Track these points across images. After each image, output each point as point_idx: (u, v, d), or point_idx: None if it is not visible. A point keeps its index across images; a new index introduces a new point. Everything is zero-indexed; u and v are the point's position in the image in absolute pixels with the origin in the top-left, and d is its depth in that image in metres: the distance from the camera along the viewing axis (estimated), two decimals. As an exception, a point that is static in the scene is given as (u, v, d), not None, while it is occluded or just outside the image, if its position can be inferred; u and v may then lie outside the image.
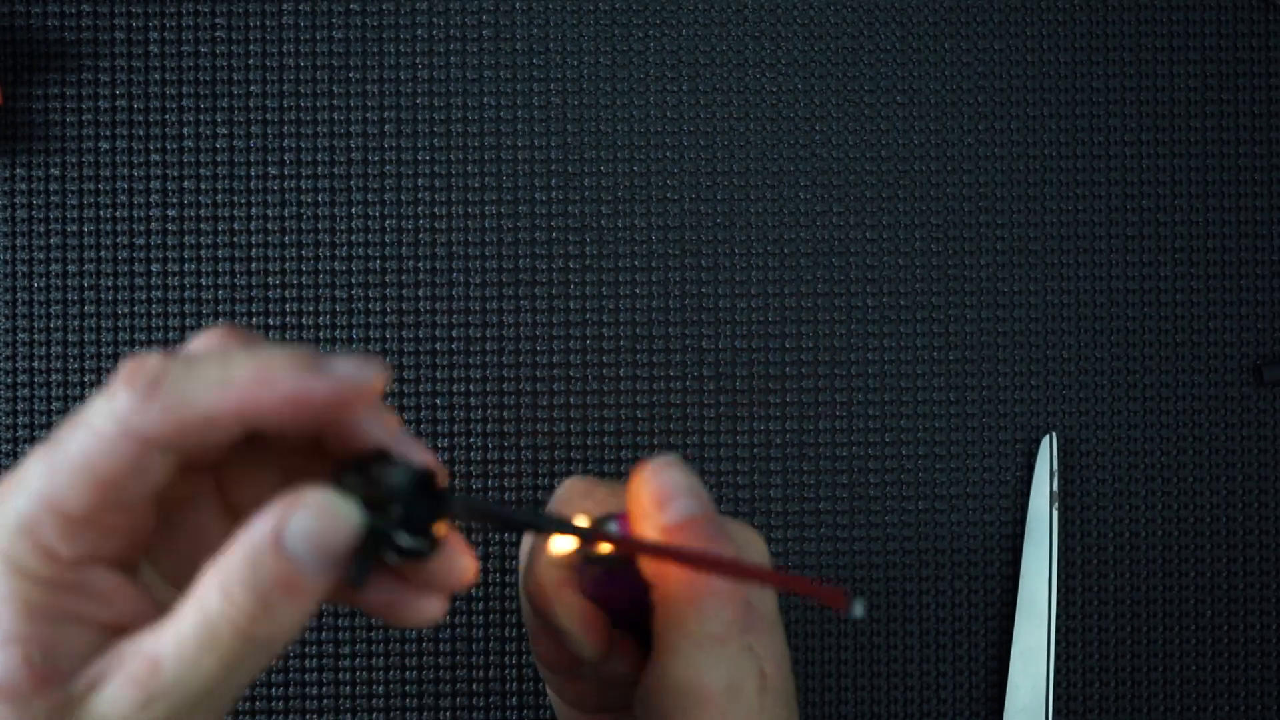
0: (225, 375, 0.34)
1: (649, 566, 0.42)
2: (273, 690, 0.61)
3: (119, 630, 0.35)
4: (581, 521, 0.44)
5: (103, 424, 0.34)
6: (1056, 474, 0.62)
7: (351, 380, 0.35)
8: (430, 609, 0.38)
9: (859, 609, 0.36)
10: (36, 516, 0.34)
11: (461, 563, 0.37)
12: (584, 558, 0.44)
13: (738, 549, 0.43)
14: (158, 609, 0.36)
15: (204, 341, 0.36)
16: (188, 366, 0.34)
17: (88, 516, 0.34)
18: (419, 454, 0.36)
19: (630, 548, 0.41)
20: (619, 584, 0.44)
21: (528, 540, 0.48)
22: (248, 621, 0.33)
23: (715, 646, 0.41)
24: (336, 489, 0.35)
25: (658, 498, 0.42)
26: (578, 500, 0.46)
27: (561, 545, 0.43)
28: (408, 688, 0.61)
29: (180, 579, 0.37)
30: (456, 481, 0.62)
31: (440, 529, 0.36)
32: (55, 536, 0.34)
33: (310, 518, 0.34)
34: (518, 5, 0.63)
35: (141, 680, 0.34)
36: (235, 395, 0.34)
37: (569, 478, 0.48)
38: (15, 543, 0.34)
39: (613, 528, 0.43)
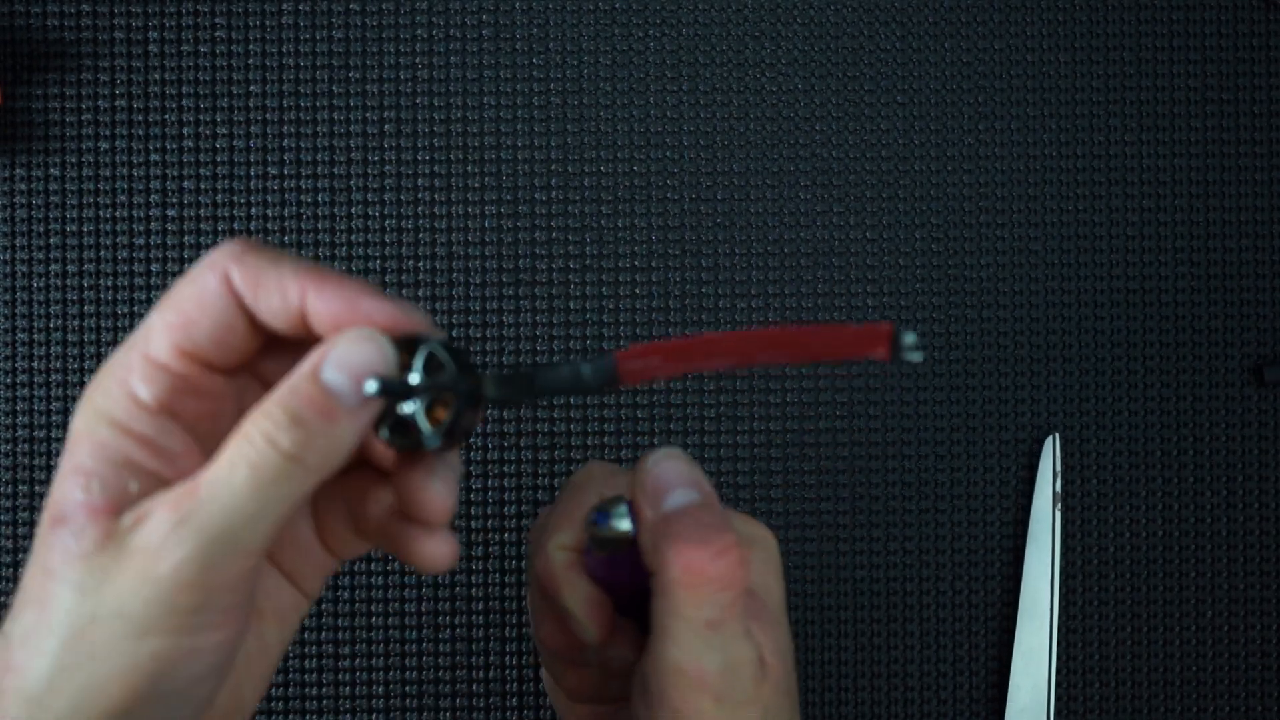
0: (302, 268, 0.38)
1: (650, 554, 0.42)
2: (273, 690, 0.61)
3: (177, 481, 0.37)
4: (587, 499, 0.45)
5: (197, 272, 0.38)
6: (1059, 475, 0.62)
7: (404, 314, 0.38)
8: (439, 549, 0.40)
9: (911, 342, 0.36)
10: (131, 362, 0.37)
11: (444, 488, 0.40)
12: (593, 544, 0.44)
13: (742, 540, 0.43)
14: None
15: (217, 258, 0.39)
16: (277, 254, 0.38)
17: (172, 362, 0.37)
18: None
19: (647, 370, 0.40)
20: (624, 568, 0.44)
21: (537, 522, 0.49)
22: (286, 443, 0.36)
23: (710, 633, 0.41)
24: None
25: (656, 488, 0.42)
26: (596, 483, 0.47)
27: None
28: (408, 688, 0.61)
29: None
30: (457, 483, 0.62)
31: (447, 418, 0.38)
32: (139, 377, 0.37)
33: (346, 346, 0.37)
34: (518, 5, 0.63)
35: (179, 504, 0.36)
36: (305, 280, 0.37)
37: (589, 463, 0.49)
38: (103, 383, 0.37)
39: (624, 511, 0.43)
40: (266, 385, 0.39)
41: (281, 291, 0.37)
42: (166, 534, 0.35)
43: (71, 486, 0.36)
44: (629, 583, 0.45)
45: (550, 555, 0.46)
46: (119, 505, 0.36)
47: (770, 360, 0.38)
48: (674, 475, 0.43)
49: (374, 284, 0.39)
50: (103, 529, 0.36)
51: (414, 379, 0.37)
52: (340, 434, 0.37)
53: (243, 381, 0.40)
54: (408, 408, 0.37)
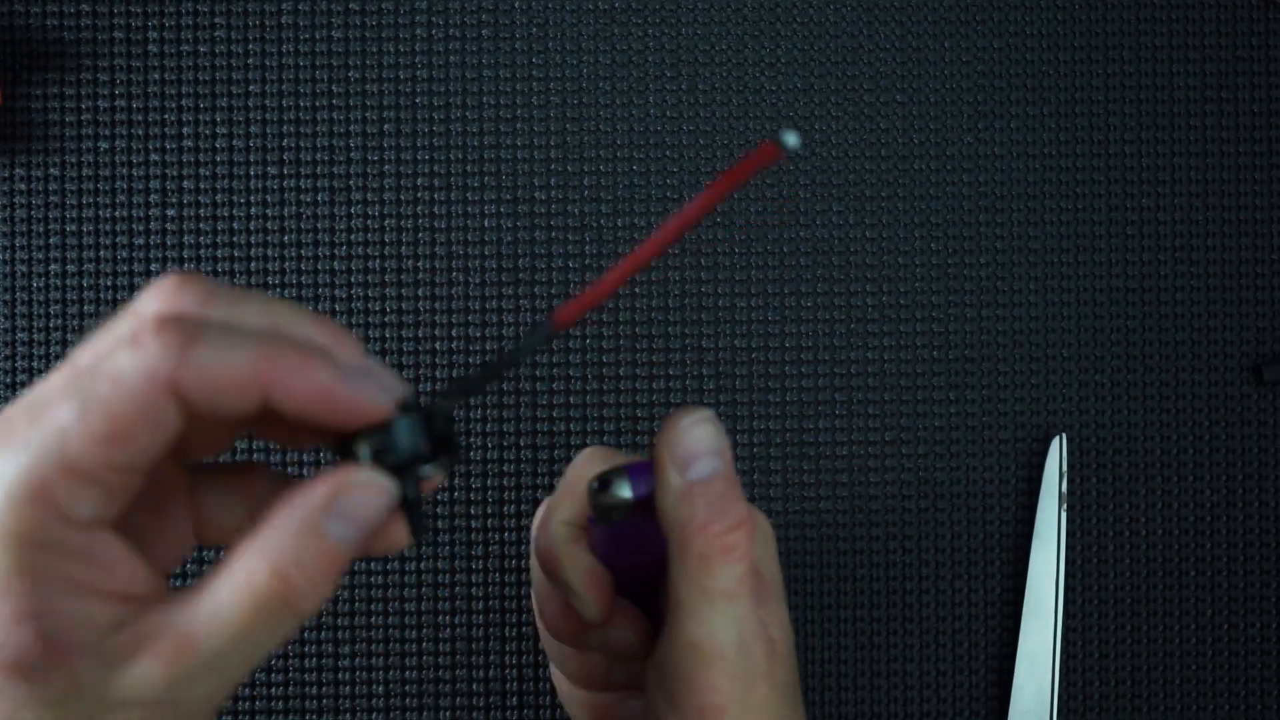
0: (264, 349, 0.34)
1: (669, 521, 0.42)
2: (273, 690, 0.61)
3: (129, 600, 0.35)
4: (593, 473, 0.45)
5: (131, 376, 0.33)
6: (1065, 475, 0.62)
7: (378, 401, 0.36)
8: (399, 534, 0.39)
9: (792, 139, 0.36)
10: (50, 476, 0.33)
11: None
12: (595, 512, 0.44)
13: (752, 518, 0.43)
14: (162, 578, 0.36)
15: (160, 295, 0.35)
16: (225, 329, 0.34)
17: (101, 474, 0.34)
18: (395, 385, 0.37)
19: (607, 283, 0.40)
20: (628, 543, 0.44)
21: (542, 507, 0.49)
22: (296, 597, 0.35)
23: (726, 603, 0.42)
24: (367, 463, 0.36)
25: (686, 453, 0.42)
26: (597, 465, 0.47)
27: None
28: (408, 688, 0.61)
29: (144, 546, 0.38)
30: (456, 482, 0.62)
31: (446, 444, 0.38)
32: (68, 497, 0.33)
33: (353, 499, 0.35)
34: (518, 5, 0.63)
35: (176, 656, 0.34)
36: (269, 372, 0.34)
37: (587, 448, 0.49)
38: (25, 508, 0.33)
39: (624, 480, 0.44)
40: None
41: (239, 390, 0.34)
42: (162, 688, 0.34)
43: (23, 633, 0.33)
44: (630, 558, 0.45)
45: (553, 531, 0.46)
46: (82, 643, 0.33)
47: (686, 228, 0.38)
48: (704, 443, 0.43)
49: (338, 326, 0.37)
50: (71, 677, 0.33)
51: (421, 470, 0.37)
52: (344, 570, 0.36)
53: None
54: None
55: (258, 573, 0.34)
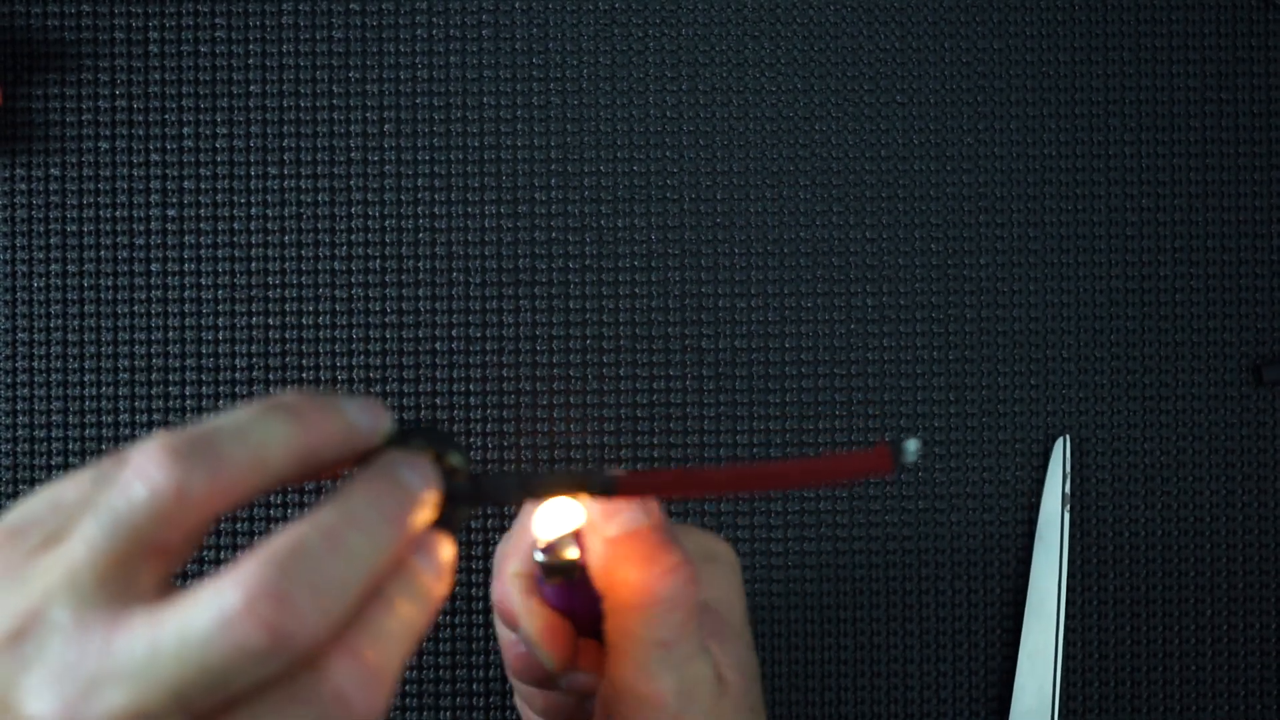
0: (287, 437, 0.34)
1: (600, 578, 0.42)
2: (272, 690, 0.61)
3: None
4: (542, 539, 0.45)
5: (167, 507, 0.33)
6: (1069, 476, 0.62)
7: (387, 421, 0.36)
8: None
9: (912, 449, 0.36)
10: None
11: None
12: (544, 574, 0.44)
13: (692, 557, 0.42)
14: None
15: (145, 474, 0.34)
16: (237, 441, 0.34)
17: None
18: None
19: (637, 489, 0.40)
20: (579, 595, 0.44)
21: (500, 551, 0.49)
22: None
23: (664, 651, 0.41)
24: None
25: (603, 512, 0.42)
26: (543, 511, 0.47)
27: (548, 525, 0.44)
28: (408, 687, 0.61)
29: None
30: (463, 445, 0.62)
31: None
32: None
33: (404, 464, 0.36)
34: (518, 5, 0.63)
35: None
36: (298, 455, 0.35)
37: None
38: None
39: (569, 539, 0.43)
40: None
41: (273, 483, 0.34)
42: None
43: None
44: (586, 608, 0.44)
45: (507, 585, 0.46)
46: None
47: (769, 489, 0.39)
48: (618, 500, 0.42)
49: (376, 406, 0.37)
50: None
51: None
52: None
53: None
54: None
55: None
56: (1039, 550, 0.62)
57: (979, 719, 0.62)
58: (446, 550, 0.36)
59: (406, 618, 0.34)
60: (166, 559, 0.33)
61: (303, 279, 0.62)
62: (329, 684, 0.33)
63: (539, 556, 0.44)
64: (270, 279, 0.62)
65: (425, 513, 0.36)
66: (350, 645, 0.33)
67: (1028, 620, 0.62)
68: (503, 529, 0.62)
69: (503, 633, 0.48)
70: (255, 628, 0.31)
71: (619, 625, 0.42)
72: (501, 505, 0.39)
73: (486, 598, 0.62)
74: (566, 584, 0.44)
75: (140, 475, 0.33)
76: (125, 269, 0.62)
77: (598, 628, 0.45)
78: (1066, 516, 0.62)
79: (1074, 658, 0.63)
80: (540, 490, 0.39)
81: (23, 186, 0.61)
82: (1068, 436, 0.62)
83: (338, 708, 0.33)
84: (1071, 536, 0.63)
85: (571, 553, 0.43)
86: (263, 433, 0.34)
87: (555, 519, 0.46)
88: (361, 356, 0.62)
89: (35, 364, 0.61)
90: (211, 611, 0.31)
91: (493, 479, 0.38)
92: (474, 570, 0.62)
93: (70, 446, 0.61)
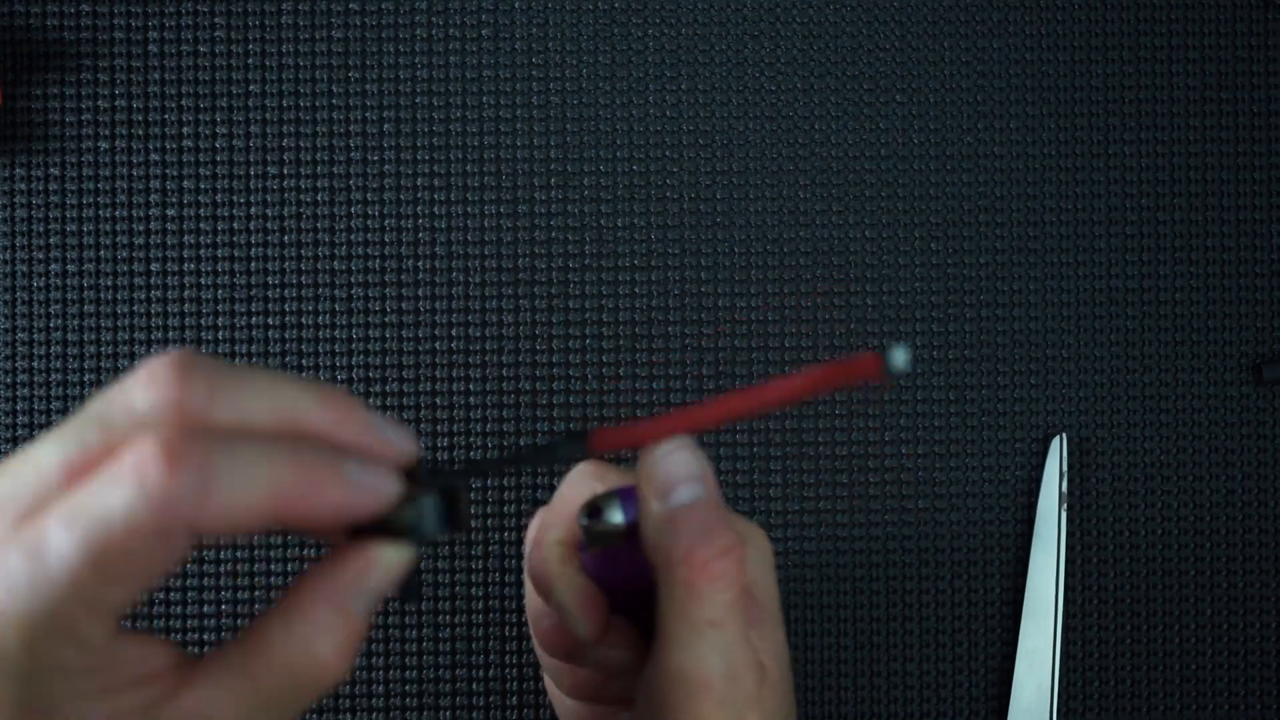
0: (276, 475, 0.34)
1: (653, 549, 0.42)
2: (272, 690, 0.61)
3: (151, 679, 0.35)
4: (582, 495, 0.45)
5: (144, 522, 0.32)
6: (1066, 475, 0.62)
7: (381, 494, 0.36)
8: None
9: (900, 358, 0.35)
10: (66, 615, 0.33)
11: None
12: (586, 539, 0.44)
13: (742, 539, 0.43)
14: (176, 649, 0.36)
15: (156, 380, 0.34)
16: (235, 462, 0.33)
17: (114, 603, 0.33)
18: (405, 443, 0.37)
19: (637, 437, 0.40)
20: (620, 565, 0.44)
21: (535, 521, 0.49)
22: (331, 677, 0.36)
23: (714, 632, 0.41)
24: (388, 541, 0.36)
25: (665, 481, 0.42)
26: (590, 481, 0.47)
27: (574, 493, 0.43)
28: (408, 687, 0.61)
29: None
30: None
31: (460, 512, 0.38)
32: (84, 629, 0.33)
33: (381, 574, 0.36)
34: (518, 5, 0.63)
35: None
36: (284, 499, 0.34)
37: (581, 463, 0.48)
38: (43, 643, 0.33)
39: (616, 506, 0.43)
40: None
41: (253, 521, 0.34)
42: None
43: None
44: (623, 579, 0.44)
45: (546, 552, 0.46)
46: None
47: (756, 412, 0.38)
48: (682, 468, 0.42)
49: (342, 399, 0.36)
50: None
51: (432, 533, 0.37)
52: (361, 639, 0.37)
53: None
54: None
55: (301, 661, 0.35)
56: (1037, 549, 0.62)
57: (978, 717, 0.62)
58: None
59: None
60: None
61: (303, 279, 0.62)
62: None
63: (583, 522, 0.44)
64: (270, 279, 0.62)
65: (376, 487, 0.36)
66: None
67: (1026, 618, 0.62)
68: (503, 528, 0.62)
69: (534, 604, 0.48)
70: (133, 479, 0.32)
71: (671, 602, 0.42)
72: (482, 476, 0.38)
73: (487, 598, 0.62)
74: (608, 553, 0.44)
75: (148, 378, 0.34)
76: (125, 269, 0.62)
77: (633, 604, 0.45)
78: (1064, 515, 0.62)
79: (1074, 656, 0.63)
80: (506, 466, 0.39)
81: (23, 186, 0.61)
82: (1064, 435, 0.62)
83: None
84: (1071, 535, 0.63)
85: (617, 519, 0.43)
86: (290, 397, 0.35)
87: (598, 489, 0.46)
88: (361, 356, 0.62)
89: (35, 364, 0.61)
90: (103, 471, 0.33)
91: (465, 466, 0.38)
92: (473, 571, 0.62)
93: (70, 446, 0.61)
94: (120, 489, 0.32)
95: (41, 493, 0.34)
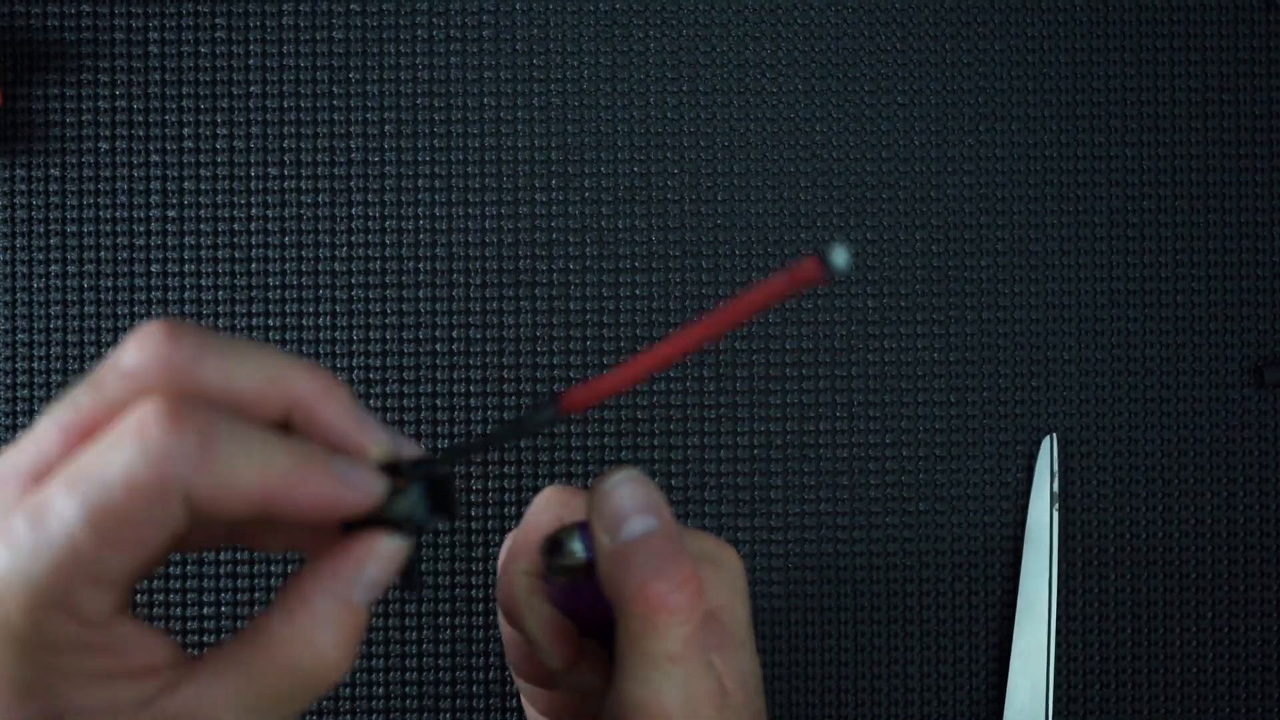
0: (270, 459, 0.34)
1: (608, 584, 0.42)
2: (273, 691, 0.61)
3: (149, 672, 0.35)
4: (548, 523, 0.45)
5: (144, 482, 0.32)
6: (1057, 475, 0.62)
7: (368, 489, 0.36)
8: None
9: (841, 257, 0.34)
10: (65, 583, 0.33)
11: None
12: (549, 572, 0.44)
13: (700, 563, 0.42)
14: (175, 645, 0.36)
15: (146, 342, 0.35)
16: (234, 436, 0.33)
17: (114, 576, 0.33)
18: (403, 447, 0.38)
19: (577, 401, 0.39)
20: (586, 596, 0.43)
21: (505, 545, 0.48)
22: (336, 673, 0.36)
23: (670, 666, 0.41)
24: (385, 530, 0.37)
25: (614, 515, 0.41)
26: (555, 507, 0.46)
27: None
28: (408, 688, 0.61)
29: None
30: (456, 482, 0.62)
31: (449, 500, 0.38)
32: (84, 600, 0.33)
33: (378, 567, 0.36)
34: (518, 5, 0.63)
35: None
36: (276, 484, 0.34)
37: (547, 488, 0.48)
38: (40, 613, 0.33)
39: (577, 538, 0.43)
40: None
41: (246, 503, 0.34)
42: None
43: None
44: (590, 609, 0.44)
45: (513, 582, 0.45)
46: None
47: (709, 338, 0.37)
48: (631, 501, 0.41)
49: (329, 378, 0.37)
50: None
51: (412, 523, 0.37)
52: (363, 631, 0.37)
53: None
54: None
55: (304, 655, 0.35)
56: (1029, 550, 0.62)
57: (977, 718, 0.62)
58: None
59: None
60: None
61: (303, 279, 0.62)
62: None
63: (544, 557, 0.43)
64: (270, 279, 0.62)
65: (362, 482, 0.36)
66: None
67: (1019, 619, 0.62)
68: (503, 530, 0.62)
69: (506, 630, 0.48)
70: (134, 438, 0.32)
71: (627, 636, 0.41)
72: (464, 460, 0.38)
73: (487, 598, 0.62)
74: (573, 584, 0.44)
75: (135, 342, 0.34)
76: (125, 269, 0.61)
77: (603, 629, 0.45)
78: (1055, 516, 0.62)
79: (1068, 657, 0.63)
80: (487, 445, 0.38)
81: (23, 186, 0.61)
82: (1054, 436, 0.62)
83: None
84: (1072, 537, 0.63)
85: (579, 552, 0.43)
86: (278, 368, 0.35)
87: (564, 516, 0.45)
88: (361, 357, 0.62)
89: (35, 364, 0.61)
90: (106, 435, 0.33)
91: (448, 453, 0.38)
92: (473, 572, 0.62)
93: (70, 447, 0.61)
94: (120, 450, 0.32)
95: (42, 461, 0.34)
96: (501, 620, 0.48)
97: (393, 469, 0.37)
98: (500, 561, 0.48)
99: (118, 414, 0.34)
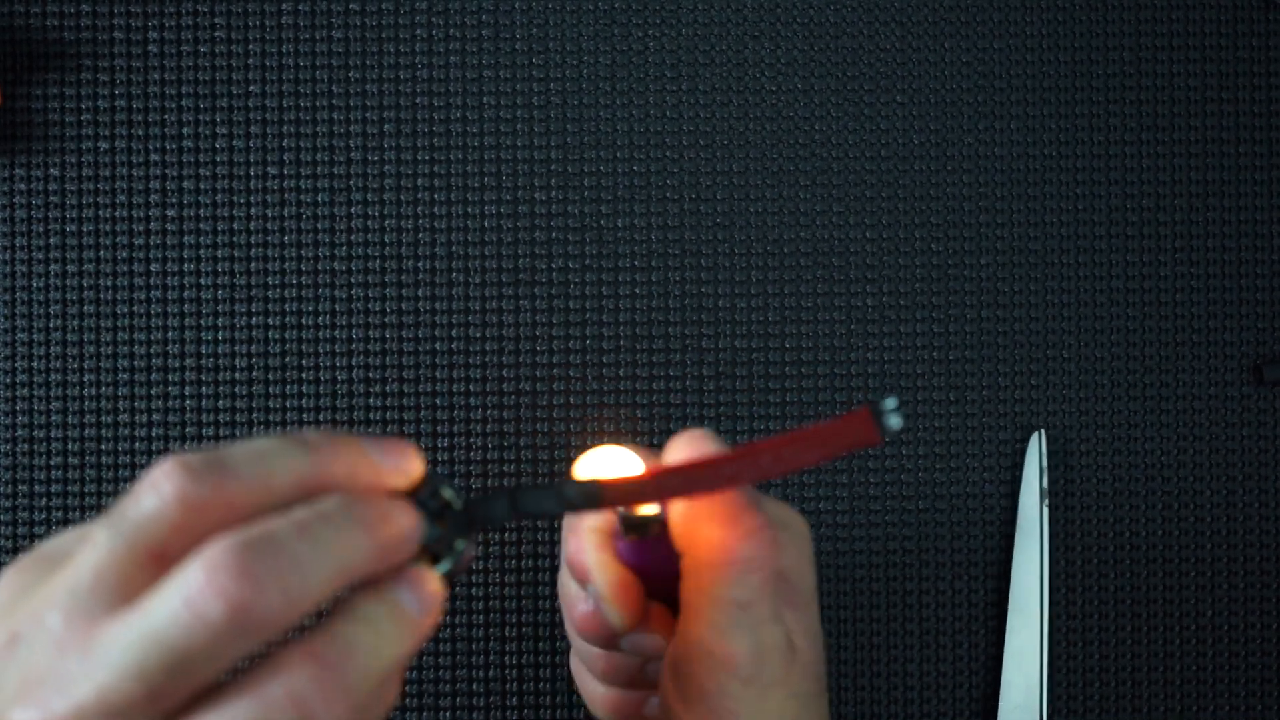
0: (342, 547, 0.34)
1: (680, 535, 0.42)
2: (272, 690, 0.61)
3: None
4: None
5: (212, 662, 0.32)
6: (1045, 471, 0.62)
7: (413, 536, 0.36)
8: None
9: (894, 418, 0.35)
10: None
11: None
12: (623, 528, 0.44)
13: (773, 522, 0.43)
14: None
15: (161, 485, 0.34)
16: (295, 563, 0.33)
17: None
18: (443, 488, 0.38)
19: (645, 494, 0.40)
20: (654, 554, 0.44)
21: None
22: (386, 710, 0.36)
23: (741, 612, 0.41)
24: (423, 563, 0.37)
25: None
26: (625, 466, 0.47)
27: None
28: (408, 688, 0.61)
29: None
30: (457, 482, 0.62)
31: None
32: None
33: (422, 586, 0.36)
34: (518, 5, 0.63)
35: None
36: (352, 570, 0.34)
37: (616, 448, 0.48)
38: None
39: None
40: None
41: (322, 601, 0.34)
42: None
43: None
44: (660, 567, 0.44)
45: (582, 540, 0.46)
46: None
47: (760, 478, 0.39)
48: (705, 455, 0.42)
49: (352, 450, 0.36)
50: None
51: (445, 554, 0.37)
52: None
53: None
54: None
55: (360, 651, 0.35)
56: (1019, 546, 0.62)
57: (973, 715, 0.62)
58: (431, 583, 0.36)
59: (378, 636, 0.34)
60: (167, 566, 0.33)
61: (303, 279, 0.62)
62: (288, 685, 0.32)
63: (619, 511, 0.44)
64: (270, 279, 0.62)
65: (398, 528, 0.35)
66: (312, 648, 0.33)
67: (1012, 615, 0.62)
68: (503, 528, 0.62)
69: (570, 590, 0.48)
70: (215, 598, 0.31)
71: (697, 583, 0.42)
72: (495, 529, 0.38)
73: (487, 598, 0.62)
74: (643, 540, 0.44)
75: (151, 485, 0.33)
76: (125, 269, 0.62)
77: (669, 590, 0.45)
78: (1045, 512, 0.62)
79: (1062, 654, 0.63)
80: (529, 509, 0.39)
81: (22, 186, 0.61)
82: (1042, 431, 0.62)
83: (296, 710, 0.32)
84: (1067, 534, 0.63)
85: (651, 508, 0.43)
86: (273, 456, 0.34)
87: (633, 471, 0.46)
88: (361, 356, 0.62)
89: (35, 364, 0.61)
90: (175, 590, 0.32)
91: (482, 503, 0.38)
92: (473, 571, 0.62)
93: (70, 446, 0.61)
94: (201, 617, 0.32)
95: (100, 595, 0.33)
96: (564, 580, 0.49)
97: (414, 495, 0.37)
98: (566, 520, 0.48)
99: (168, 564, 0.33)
